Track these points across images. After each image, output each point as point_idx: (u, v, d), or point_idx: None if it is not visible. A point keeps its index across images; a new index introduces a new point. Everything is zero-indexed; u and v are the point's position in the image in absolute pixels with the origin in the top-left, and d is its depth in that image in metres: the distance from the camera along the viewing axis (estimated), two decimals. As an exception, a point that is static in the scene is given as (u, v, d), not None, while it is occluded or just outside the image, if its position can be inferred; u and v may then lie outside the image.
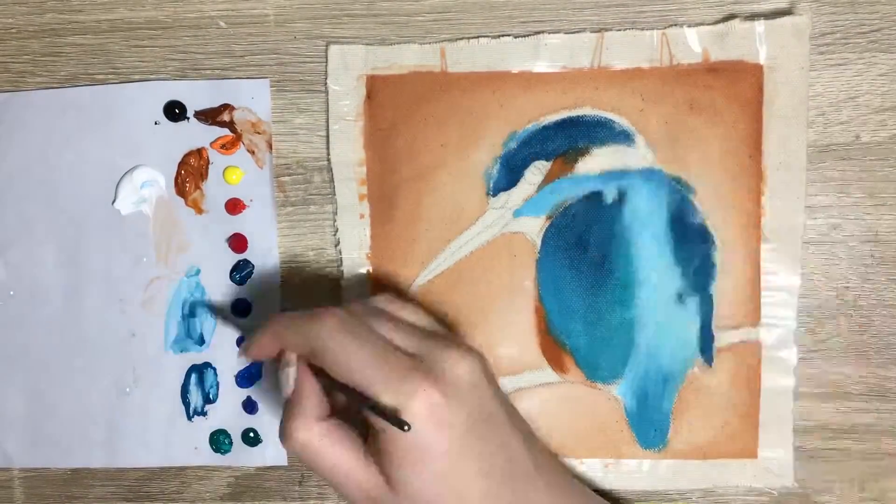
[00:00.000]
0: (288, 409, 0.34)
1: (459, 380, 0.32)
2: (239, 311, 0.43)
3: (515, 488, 0.33)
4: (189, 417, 0.43)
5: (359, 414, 0.33)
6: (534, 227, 0.40)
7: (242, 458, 0.43)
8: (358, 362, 0.32)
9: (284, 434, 0.34)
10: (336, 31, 0.41)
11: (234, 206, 0.42)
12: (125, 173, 0.42)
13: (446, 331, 0.37)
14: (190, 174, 0.42)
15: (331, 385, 0.34)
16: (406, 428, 0.31)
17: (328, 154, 0.41)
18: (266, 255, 0.42)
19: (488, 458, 0.33)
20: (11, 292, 0.44)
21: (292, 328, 0.34)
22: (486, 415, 0.33)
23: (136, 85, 0.42)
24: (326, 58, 0.41)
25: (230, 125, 0.42)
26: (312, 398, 0.34)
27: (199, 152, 0.42)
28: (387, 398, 0.31)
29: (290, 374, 0.34)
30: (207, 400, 0.43)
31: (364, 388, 0.32)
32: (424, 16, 0.41)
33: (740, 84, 0.39)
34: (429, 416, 0.31)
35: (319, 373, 0.34)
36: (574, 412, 0.41)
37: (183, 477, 0.44)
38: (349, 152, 0.41)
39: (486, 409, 0.33)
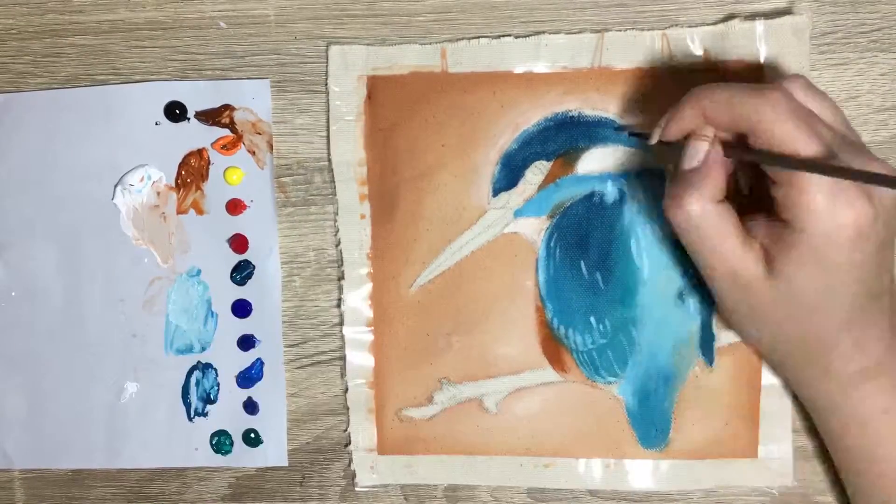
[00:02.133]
0: (687, 180, 0.33)
1: (883, 195, 0.32)
2: (240, 312, 0.43)
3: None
4: (190, 418, 0.43)
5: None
6: (534, 227, 0.40)
7: (243, 458, 0.43)
8: (806, 146, 0.31)
9: (676, 203, 0.33)
10: (337, 32, 0.41)
11: (234, 207, 0.42)
12: (126, 174, 0.42)
13: (857, 134, 0.35)
14: (190, 175, 0.42)
15: (746, 155, 0.33)
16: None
17: (329, 154, 0.41)
18: (267, 255, 0.42)
19: (878, 281, 0.33)
20: (13, 293, 0.44)
21: (726, 102, 0.33)
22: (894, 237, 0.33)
23: (137, 86, 0.42)
24: (327, 58, 0.41)
25: (231, 126, 0.42)
26: (717, 179, 0.33)
27: (199, 153, 0.42)
28: (820, 198, 0.31)
29: (702, 148, 0.33)
30: (208, 400, 0.43)
31: (803, 178, 0.31)
32: (425, 16, 0.41)
33: (741, 84, 0.39)
34: (855, 227, 0.31)
35: (731, 153, 0.33)
36: (575, 412, 0.41)
37: (183, 478, 0.44)
38: (350, 152, 0.41)
39: None
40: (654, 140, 0.35)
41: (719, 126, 0.33)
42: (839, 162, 0.31)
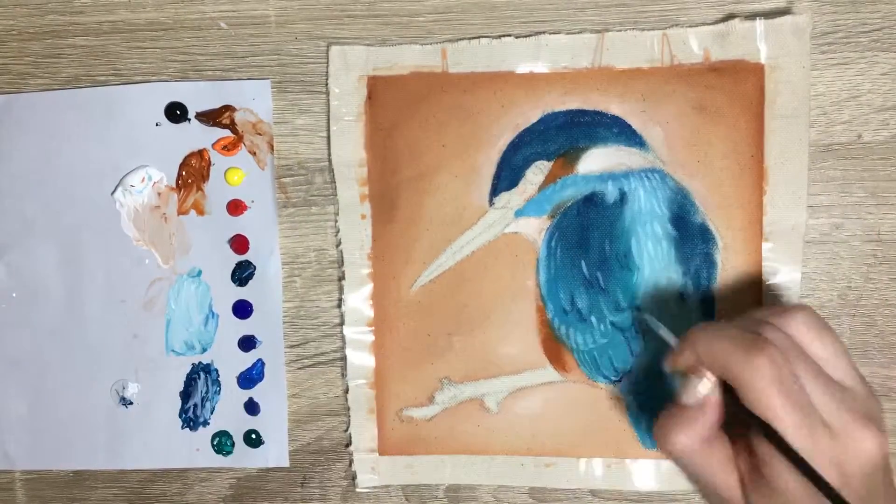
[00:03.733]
0: (679, 414, 0.34)
1: (863, 464, 0.32)
2: (240, 313, 0.43)
3: None
4: (191, 421, 0.43)
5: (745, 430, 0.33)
6: (535, 227, 0.40)
7: (244, 459, 0.43)
8: (780, 422, 0.31)
9: (664, 434, 0.34)
10: (337, 32, 0.41)
11: (235, 207, 0.42)
12: (127, 174, 0.42)
13: (859, 380, 0.35)
14: (191, 175, 0.42)
15: (735, 406, 0.33)
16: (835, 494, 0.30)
17: (329, 155, 0.41)
18: (267, 255, 0.42)
19: None
20: (14, 294, 0.44)
21: (716, 354, 0.33)
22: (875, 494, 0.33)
23: (138, 86, 0.42)
24: (327, 59, 0.41)
25: (231, 126, 0.42)
26: (710, 419, 0.34)
27: (200, 153, 0.42)
28: (793, 482, 0.31)
29: (701, 389, 0.34)
30: (209, 401, 0.43)
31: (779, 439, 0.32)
32: (425, 16, 0.41)
33: (741, 84, 0.39)
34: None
35: (726, 390, 0.34)
36: (576, 411, 0.41)
37: (185, 478, 0.44)
38: (350, 153, 0.41)
39: (876, 490, 0.33)
40: (667, 369, 0.36)
41: (712, 371, 0.34)
42: (816, 438, 0.32)
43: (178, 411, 0.43)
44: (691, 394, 0.34)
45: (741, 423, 0.34)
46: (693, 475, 0.34)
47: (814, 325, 0.34)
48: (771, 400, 0.31)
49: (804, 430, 0.31)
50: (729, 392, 0.33)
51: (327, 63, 0.41)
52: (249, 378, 0.43)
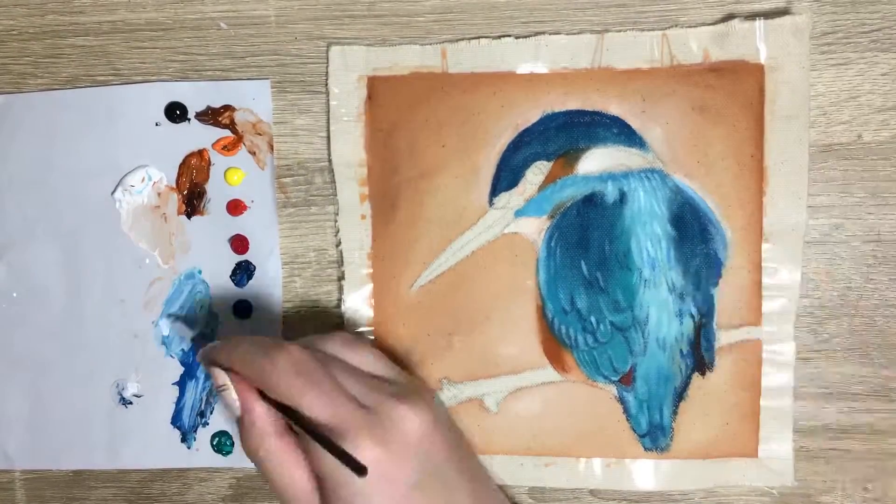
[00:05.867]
0: (244, 428, 0.35)
1: (407, 435, 0.33)
2: (240, 313, 0.43)
3: None
4: (191, 419, 0.43)
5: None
6: (535, 227, 0.40)
7: (244, 459, 0.43)
8: (308, 408, 0.32)
9: (246, 451, 0.35)
10: (337, 32, 0.41)
11: (235, 208, 0.42)
12: (126, 174, 0.42)
13: (403, 375, 0.37)
14: (191, 175, 0.42)
15: (277, 410, 0.34)
16: (363, 474, 0.31)
17: (329, 155, 0.41)
18: (267, 256, 0.42)
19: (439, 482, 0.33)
20: (14, 293, 0.44)
21: (245, 359, 0.34)
22: (432, 469, 0.33)
23: (137, 86, 0.42)
24: (327, 59, 0.41)
25: (231, 126, 0.42)
26: (264, 416, 0.34)
27: (200, 153, 0.42)
28: (326, 461, 0.32)
29: (229, 395, 0.35)
30: (209, 401, 0.43)
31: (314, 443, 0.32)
32: (425, 16, 0.41)
33: (741, 84, 0.39)
34: (372, 471, 0.31)
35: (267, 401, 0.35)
36: (575, 411, 0.41)
37: (184, 478, 0.44)
38: (350, 153, 0.41)
39: (433, 464, 0.34)
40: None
41: (250, 381, 0.35)
42: (372, 402, 0.33)
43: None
44: (229, 403, 0.35)
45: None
46: (275, 486, 0.35)
47: (348, 340, 0.36)
48: (291, 383, 0.33)
49: (330, 407, 0.32)
50: (270, 402, 0.34)
51: (327, 63, 0.41)
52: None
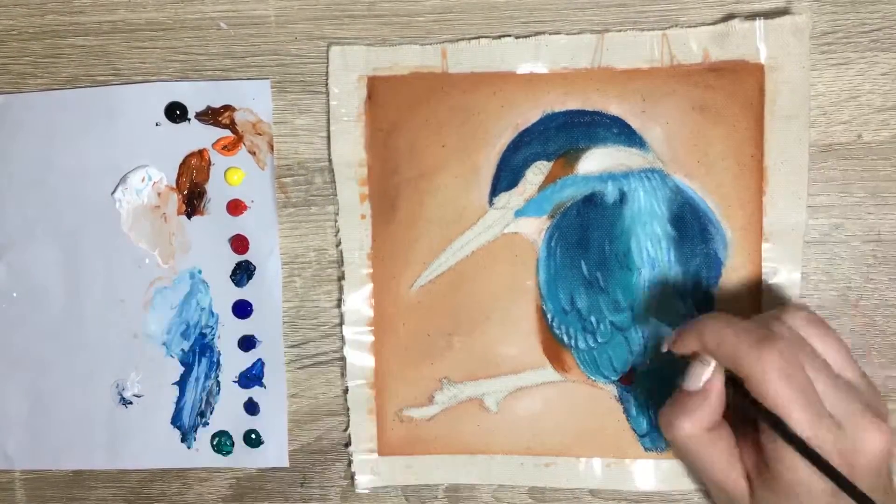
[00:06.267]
0: (683, 403, 0.35)
1: (870, 456, 0.32)
2: (240, 313, 0.43)
3: None
4: (191, 419, 0.43)
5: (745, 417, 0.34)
6: (535, 227, 0.40)
7: (244, 459, 0.43)
8: (790, 414, 0.32)
9: (669, 423, 0.35)
10: (337, 32, 0.41)
11: (235, 207, 0.42)
12: (126, 174, 0.42)
13: (861, 374, 0.35)
14: (191, 175, 0.42)
15: (742, 398, 0.34)
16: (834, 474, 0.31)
17: (329, 155, 0.41)
18: (267, 256, 0.42)
19: None
20: (14, 293, 0.44)
21: (725, 345, 0.33)
22: (881, 489, 0.33)
23: (138, 86, 0.42)
24: (327, 59, 0.41)
25: (231, 126, 0.42)
26: (714, 407, 0.34)
27: (200, 153, 0.42)
28: (802, 470, 0.32)
29: (704, 375, 0.34)
30: (209, 401, 0.43)
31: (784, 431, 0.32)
32: (425, 16, 0.41)
33: (741, 84, 0.39)
34: (833, 492, 0.31)
35: (732, 383, 0.34)
36: (575, 411, 0.41)
37: (184, 478, 0.44)
38: (350, 153, 0.41)
39: (882, 483, 0.33)
40: (664, 349, 0.36)
41: (721, 361, 0.34)
42: (825, 429, 0.32)
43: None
44: (694, 379, 0.34)
45: (747, 422, 0.34)
46: (697, 465, 0.35)
47: (815, 322, 0.35)
48: (780, 392, 0.32)
49: (813, 423, 0.32)
50: (735, 387, 0.33)
51: (327, 63, 0.41)
52: (249, 378, 0.43)
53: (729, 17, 0.39)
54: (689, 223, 0.40)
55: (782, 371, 0.32)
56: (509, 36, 0.40)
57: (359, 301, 0.42)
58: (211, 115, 0.42)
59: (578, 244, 0.40)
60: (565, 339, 0.40)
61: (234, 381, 0.43)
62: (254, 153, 0.42)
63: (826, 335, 0.35)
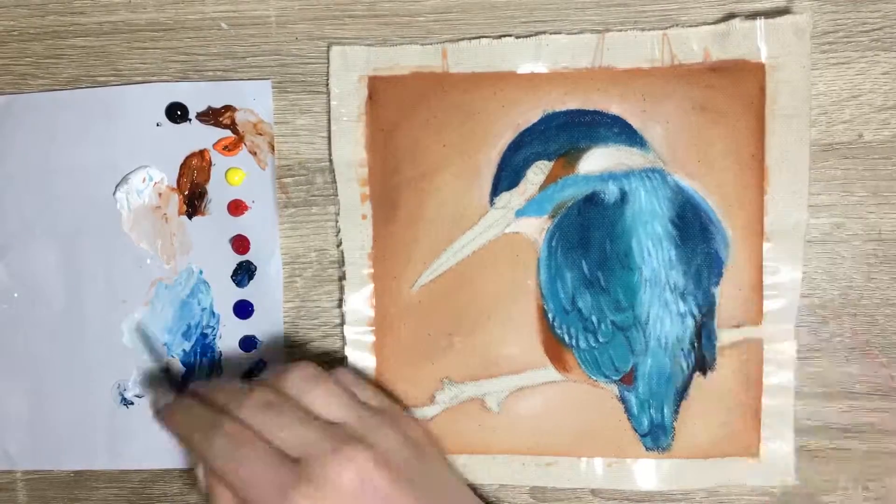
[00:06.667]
0: None
1: (341, 489, 0.32)
2: (241, 313, 0.43)
3: None
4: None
5: None
6: (536, 227, 0.40)
7: (245, 459, 0.43)
8: (241, 481, 0.33)
9: None
10: (337, 32, 0.41)
11: (236, 208, 0.42)
12: (127, 175, 0.42)
13: (362, 412, 0.36)
14: (192, 176, 0.42)
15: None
16: None
17: (330, 155, 0.41)
18: (268, 256, 0.42)
19: None
20: (15, 294, 0.44)
21: (186, 432, 0.36)
22: None
23: (138, 87, 0.42)
24: (328, 59, 0.41)
25: (232, 126, 0.42)
26: (225, 498, 0.35)
27: (201, 154, 0.42)
28: None
29: (200, 472, 0.36)
30: (210, 401, 0.43)
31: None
32: (426, 16, 0.41)
33: (742, 83, 0.39)
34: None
35: None
36: (577, 411, 0.41)
37: (186, 479, 0.44)
38: (351, 153, 0.41)
39: None
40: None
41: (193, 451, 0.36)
42: (308, 452, 0.33)
43: (179, 411, 0.43)
44: (200, 476, 0.36)
45: None
46: None
47: (307, 378, 0.36)
48: (226, 465, 0.34)
49: (265, 485, 0.33)
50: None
51: (328, 63, 0.41)
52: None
53: (729, 17, 0.39)
54: (690, 223, 0.40)
55: (228, 443, 0.34)
56: (510, 36, 0.40)
57: (360, 301, 0.42)
58: (212, 116, 0.42)
59: (579, 244, 0.40)
60: (566, 338, 0.40)
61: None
62: (254, 153, 0.42)
63: (318, 384, 0.36)
